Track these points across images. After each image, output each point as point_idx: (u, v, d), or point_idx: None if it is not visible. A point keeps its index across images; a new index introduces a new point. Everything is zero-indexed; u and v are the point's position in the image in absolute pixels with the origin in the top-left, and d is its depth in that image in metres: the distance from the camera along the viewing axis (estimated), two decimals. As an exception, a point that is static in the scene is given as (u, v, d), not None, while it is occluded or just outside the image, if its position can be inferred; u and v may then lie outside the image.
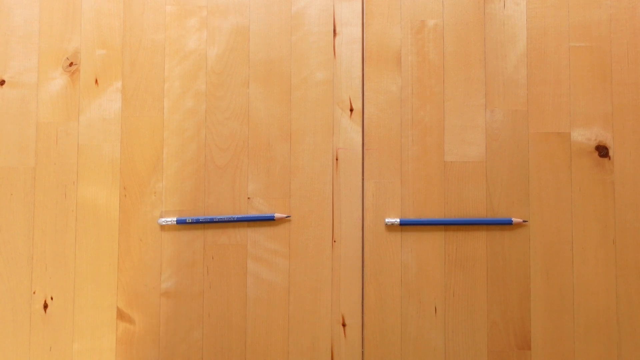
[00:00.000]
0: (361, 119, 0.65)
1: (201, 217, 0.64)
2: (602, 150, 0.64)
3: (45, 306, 0.64)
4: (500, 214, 0.64)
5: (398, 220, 0.63)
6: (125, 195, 0.64)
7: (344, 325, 0.63)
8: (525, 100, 0.65)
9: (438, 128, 0.65)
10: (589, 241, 0.63)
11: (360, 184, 0.64)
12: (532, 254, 0.63)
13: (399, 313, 0.63)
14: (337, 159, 0.65)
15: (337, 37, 0.66)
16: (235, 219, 0.63)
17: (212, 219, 0.63)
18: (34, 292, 0.64)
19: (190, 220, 0.63)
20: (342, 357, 0.63)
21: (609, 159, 0.64)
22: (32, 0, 0.66)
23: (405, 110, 0.65)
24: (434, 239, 0.64)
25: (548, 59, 0.65)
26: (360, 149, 0.65)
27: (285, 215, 0.64)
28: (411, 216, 0.64)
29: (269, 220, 0.64)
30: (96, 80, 0.65)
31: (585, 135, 0.64)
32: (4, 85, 0.65)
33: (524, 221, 0.63)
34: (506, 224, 0.63)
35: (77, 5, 0.66)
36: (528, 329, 0.63)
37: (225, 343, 0.63)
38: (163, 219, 0.63)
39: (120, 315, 0.63)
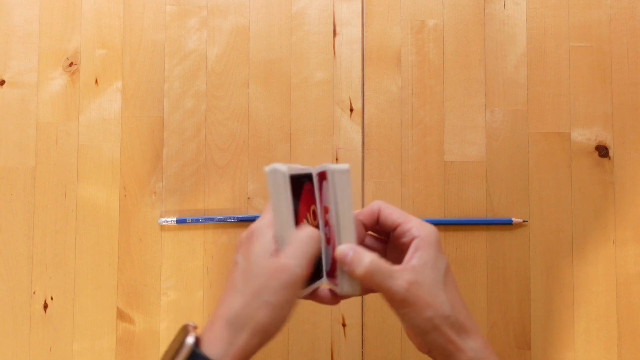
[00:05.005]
0: (361, 119, 0.65)
1: (201, 217, 0.64)
2: (602, 150, 0.64)
3: (45, 306, 0.64)
4: (500, 214, 0.64)
5: (398, 220, 0.63)
6: (125, 195, 0.64)
7: (344, 325, 0.63)
8: (525, 100, 0.65)
9: (438, 128, 0.65)
10: (589, 241, 0.63)
11: (360, 184, 0.64)
12: (532, 254, 0.63)
13: (399, 313, 0.63)
14: (337, 159, 0.65)
15: (337, 37, 0.66)
16: (235, 219, 0.63)
17: (212, 219, 0.63)
18: (34, 292, 0.64)
19: (190, 220, 0.63)
20: (342, 357, 0.63)
21: (609, 159, 0.64)
22: (32, 0, 0.66)
23: (405, 110, 0.65)
24: (434, 239, 0.63)
25: (548, 59, 0.65)
26: (360, 149, 0.65)
27: (285, 215, 0.64)
28: (411, 216, 0.64)
29: (269, 220, 0.64)
30: (96, 80, 0.65)
31: (585, 135, 0.64)
32: (4, 85, 0.65)
33: (524, 221, 0.63)
34: (506, 224, 0.63)
35: (77, 5, 0.66)
36: (528, 329, 0.63)
37: (225, 343, 0.63)
38: (163, 219, 0.63)
39: (120, 315, 0.63)
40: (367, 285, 0.39)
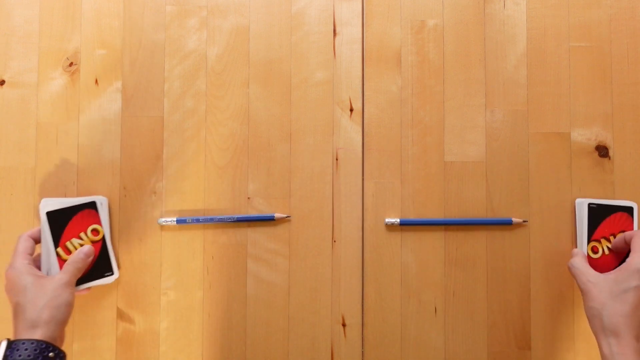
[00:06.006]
0: (361, 119, 0.65)
1: (201, 217, 0.64)
2: (602, 150, 0.64)
3: (45, 306, 0.64)
4: (500, 214, 0.64)
5: (398, 220, 0.63)
6: (125, 195, 0.64)
7: (344, 325, 0.63)
8: (525, 100, 0.65)
9: (438, 128, 0.65)
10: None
11: (360, 184, 0.64)
12: (532, 254, 0.63)
13: (399, 313, 0.63)
14: (337, 159, 0.65)
15: (337, 37, 0.66)
16: (235, 219, 0.63)
17: (212, 219, 0.63)
18: (34, 292, 0.64)
19: (190, 220, 0.63)
20: (342, 357, 0.63)
21: (609, 159, 0.64)
22: (32, 0, 0.66)
23: (405, 110, 0.65)
24: (434, 239, 0.64)
25: (548, 59, 0.65)
26: (360, 149, 0.65)
27: (285, 215, 0.64)
28: (411, 216, 0.64)
29: (269, 220, 0.64)
30: (96, 80, 0.65)
31: (585, 135, 0.64)
32: (4, 85, 0.65)
33: (524, 221, 0.63)
34: (506, 224, 0.63)
35: (77, 5, 0.66)
36: (528, 329, 0.63)
37: (225, 343, 0.63)
38: (163, 219, 0.63)
39: (120, 315, 0.63)
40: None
